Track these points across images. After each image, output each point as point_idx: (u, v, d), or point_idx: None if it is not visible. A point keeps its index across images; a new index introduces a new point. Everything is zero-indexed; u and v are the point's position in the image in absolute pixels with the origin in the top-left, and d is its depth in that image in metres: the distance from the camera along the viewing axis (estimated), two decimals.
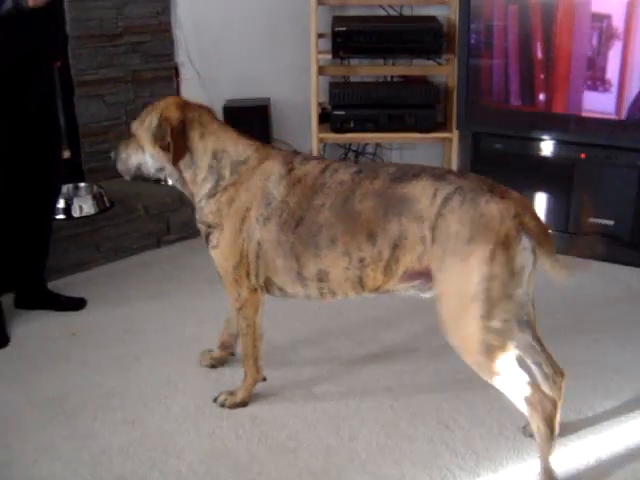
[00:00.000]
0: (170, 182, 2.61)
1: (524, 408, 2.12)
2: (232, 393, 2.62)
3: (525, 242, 2.05)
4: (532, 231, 2.05)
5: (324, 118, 4.29)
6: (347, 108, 4.22)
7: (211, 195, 2.45)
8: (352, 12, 4.51)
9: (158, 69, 4.48)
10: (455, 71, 4.09)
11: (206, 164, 2.45)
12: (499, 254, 2.02)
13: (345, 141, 4.57)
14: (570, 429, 2.43)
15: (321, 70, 4.26)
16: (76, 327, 3.18)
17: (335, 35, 4.10)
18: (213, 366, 2.85)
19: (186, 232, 4.12)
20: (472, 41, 3.89)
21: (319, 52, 4.17)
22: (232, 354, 2.86)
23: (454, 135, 4.22)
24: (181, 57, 4.56)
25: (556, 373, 2.28)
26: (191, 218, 3.97)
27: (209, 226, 2.47)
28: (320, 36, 4.20)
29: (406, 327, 3.11)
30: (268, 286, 2.48)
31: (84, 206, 3.84)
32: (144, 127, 2.48)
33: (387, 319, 3.17)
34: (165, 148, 2.43)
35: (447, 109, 4.35)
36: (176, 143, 2.42)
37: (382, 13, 4.48)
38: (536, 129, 3.83)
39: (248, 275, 2.45)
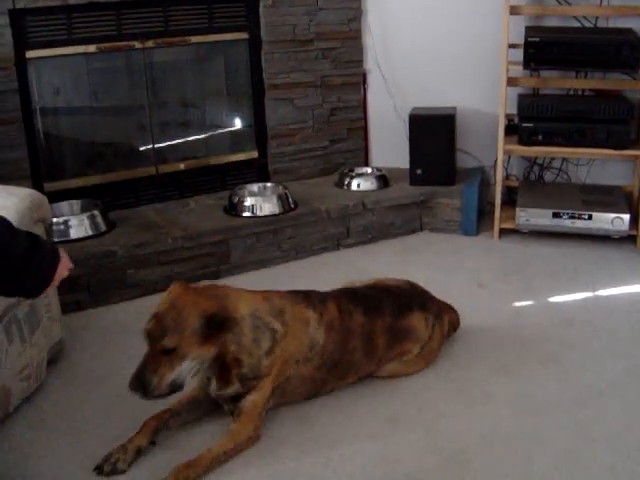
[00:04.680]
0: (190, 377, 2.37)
1: None
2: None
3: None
4: None
5: (510, 130, 4.21)
6: (536, 120, 4.11)
7: (269, 352, 2.46)
8: (545, 23, 4.40)
9: (346, 75, 4.57)
10: None
11: (249, 328, 2.42)
12: None
13: (531, 154, 4.46)
14: None
15: (510, 81, 4.17)
16: None
17: (527, 46, 4.00)
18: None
19: (365, 237, 4.18)
20: None
21: (509, 63, 4.09)
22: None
23: None
24: (369, 64, 4.62)
25: None
26: (371, 222, 4.10)
27: (255, 377, 2.45)
28: (511, 46, 4.12)
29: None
30: None
31: (269, 205, 3.96)
32: (188, 333, 2.27)
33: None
34: (213, 343, 2.33)
35: None
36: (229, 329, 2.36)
37: (576, 24, 4.34)
38: None
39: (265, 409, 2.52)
